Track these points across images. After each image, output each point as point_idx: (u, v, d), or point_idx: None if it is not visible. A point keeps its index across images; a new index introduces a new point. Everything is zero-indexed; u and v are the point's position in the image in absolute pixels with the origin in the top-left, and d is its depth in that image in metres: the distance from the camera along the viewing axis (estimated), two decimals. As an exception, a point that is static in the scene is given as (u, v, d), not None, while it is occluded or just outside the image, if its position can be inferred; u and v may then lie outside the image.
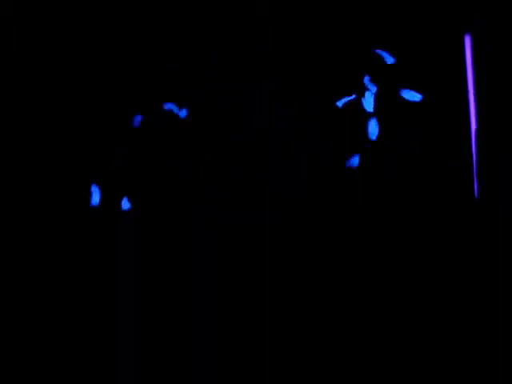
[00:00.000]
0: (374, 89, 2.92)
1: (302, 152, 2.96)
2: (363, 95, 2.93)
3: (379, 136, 2.87)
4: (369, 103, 2.92)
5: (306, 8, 3.02)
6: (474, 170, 2.69)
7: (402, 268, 2.67)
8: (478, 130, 2.71)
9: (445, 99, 2.80)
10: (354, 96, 2.93)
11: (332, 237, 2.80)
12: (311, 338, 2.72)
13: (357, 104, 2.93)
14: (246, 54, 3.05)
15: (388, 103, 2.90)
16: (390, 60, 2.89)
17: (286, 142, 2.99)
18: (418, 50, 2.87)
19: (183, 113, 3.00)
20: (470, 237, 2.63)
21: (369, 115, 2.90)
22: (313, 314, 2.75)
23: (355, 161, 2.86)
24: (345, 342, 2.70)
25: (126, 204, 3.02)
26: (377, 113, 2.89)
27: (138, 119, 3.07)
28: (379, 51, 2.91)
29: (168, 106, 3.02)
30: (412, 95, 2.85)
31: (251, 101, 3.06)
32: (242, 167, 3.00)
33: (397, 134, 2.85)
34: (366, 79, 2.94)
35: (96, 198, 3.00)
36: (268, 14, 3.02)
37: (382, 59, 2.94)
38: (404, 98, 2.86)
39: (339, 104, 2.95)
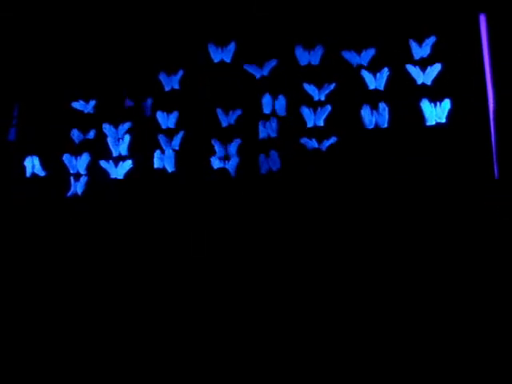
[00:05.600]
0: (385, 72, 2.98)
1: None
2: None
3: (398, 121, 2.95)
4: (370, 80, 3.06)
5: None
6: (494, 151, 2.67)
7: (425, 248, 2.68)
8: (495, 111, 2.67)
9: (461, 81, 2.79)
10: None
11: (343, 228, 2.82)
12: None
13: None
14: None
15: (403, 87, 3.00)
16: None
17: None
18: (435, 31, 2.92)
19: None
20: (491, 216, 2.58)
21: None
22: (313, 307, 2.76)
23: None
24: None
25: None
26: (393, 97, 2.97)
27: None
28: None
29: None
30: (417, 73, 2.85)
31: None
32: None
33: (415, 116, 2.90)
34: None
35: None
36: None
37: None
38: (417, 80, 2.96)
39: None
